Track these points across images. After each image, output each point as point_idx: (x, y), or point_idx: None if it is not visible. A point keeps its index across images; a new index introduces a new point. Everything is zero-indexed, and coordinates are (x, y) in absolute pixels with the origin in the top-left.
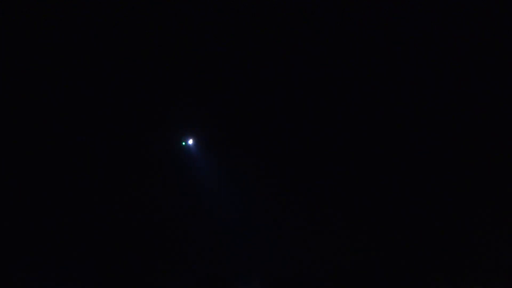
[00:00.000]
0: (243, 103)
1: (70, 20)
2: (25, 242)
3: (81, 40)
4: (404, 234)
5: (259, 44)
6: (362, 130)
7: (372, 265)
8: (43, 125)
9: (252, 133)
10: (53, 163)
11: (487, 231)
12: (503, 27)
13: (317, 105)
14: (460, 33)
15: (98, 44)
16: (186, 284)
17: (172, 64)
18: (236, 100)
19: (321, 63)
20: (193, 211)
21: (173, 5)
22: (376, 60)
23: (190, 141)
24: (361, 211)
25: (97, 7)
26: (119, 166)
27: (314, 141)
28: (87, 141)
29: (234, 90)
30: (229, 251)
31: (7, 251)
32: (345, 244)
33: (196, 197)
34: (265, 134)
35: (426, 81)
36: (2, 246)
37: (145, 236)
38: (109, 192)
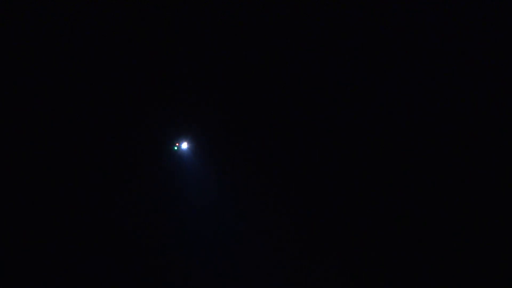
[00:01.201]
0: (243, 103)
1: (59, 19)
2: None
3: (69, 40)
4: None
5: (258, 41)
6: (373, 137)
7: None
8: (29, 127)
9: (253, 137)
10: (40, 167)
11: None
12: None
13: (322, 105)
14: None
15: (86, 43)
16: None
17: (163, 61)
18: (236, 100)
19: (323, 63)
20: (186, 221)
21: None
22: (375, 60)
23: (184, 145)
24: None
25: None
26: (105, 171)
27: (320, 144)
28: (73, 144)
29: (233, 89)
30: (224, 263)
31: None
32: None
33: (189, 206)
34: (268, 139)
35: (425, 82)
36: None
37: (133, 245)
38: (94, 198)
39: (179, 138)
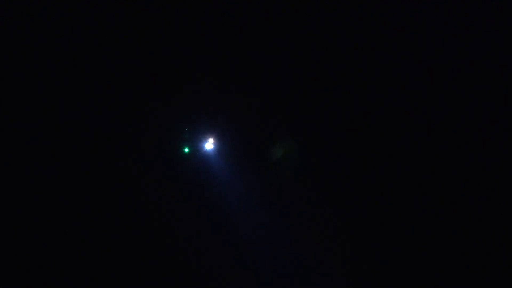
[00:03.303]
0: (271, 100)
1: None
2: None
3: (81, 40)
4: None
5: (289, 40)
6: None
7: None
8: (39, 127)
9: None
10: (51, 171)
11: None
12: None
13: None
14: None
15: (104, 41)
16: None
17: (186, 57)
18: (261, 98)
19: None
20: (207, 229)
21: None
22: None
23: (210, 144)
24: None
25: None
26: (119, 175)
27: (354, 145)
28: (87, 145)
29: (258, 86)
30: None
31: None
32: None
33: (210, 213)
34: (300, 138)
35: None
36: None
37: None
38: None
39: (202, 137)
